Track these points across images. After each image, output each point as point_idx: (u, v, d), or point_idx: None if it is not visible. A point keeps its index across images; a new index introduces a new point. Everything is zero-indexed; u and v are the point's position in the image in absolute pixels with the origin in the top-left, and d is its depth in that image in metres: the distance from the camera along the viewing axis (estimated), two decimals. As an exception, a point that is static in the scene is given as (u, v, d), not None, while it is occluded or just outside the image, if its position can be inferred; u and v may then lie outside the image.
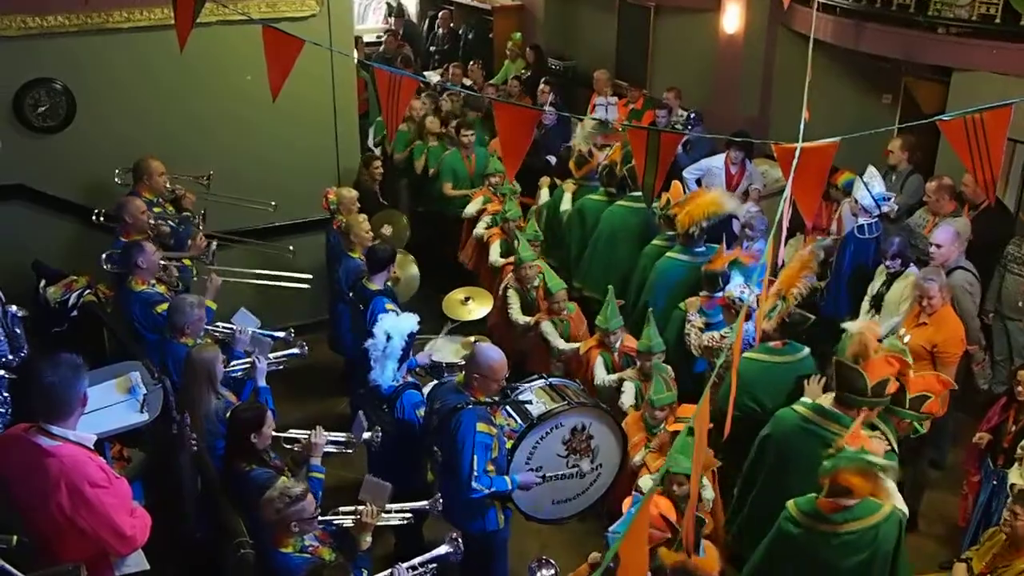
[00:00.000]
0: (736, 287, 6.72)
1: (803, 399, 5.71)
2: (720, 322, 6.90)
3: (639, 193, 8.07)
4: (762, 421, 5.92)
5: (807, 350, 6.32)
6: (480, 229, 9.17)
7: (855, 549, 4.87)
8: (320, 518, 4.75)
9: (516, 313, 7.93)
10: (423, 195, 10.56)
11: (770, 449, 5.70)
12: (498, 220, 8.99)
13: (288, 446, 5.50)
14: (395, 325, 6.09)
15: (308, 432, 5.41)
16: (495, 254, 8.81)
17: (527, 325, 7.80)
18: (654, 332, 6.71)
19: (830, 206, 8.57)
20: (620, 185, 8.63)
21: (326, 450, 5.41)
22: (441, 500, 5.26)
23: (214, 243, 7.57)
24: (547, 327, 7.64)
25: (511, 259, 8.35)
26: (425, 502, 5.24)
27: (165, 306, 6.57)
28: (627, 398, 6.75)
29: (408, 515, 5.20)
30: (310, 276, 7.79)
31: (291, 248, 8.27)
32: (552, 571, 4.88)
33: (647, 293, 7.74)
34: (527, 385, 6.31)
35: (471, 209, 9.40)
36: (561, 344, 7.55)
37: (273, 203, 8.24)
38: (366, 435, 5.65)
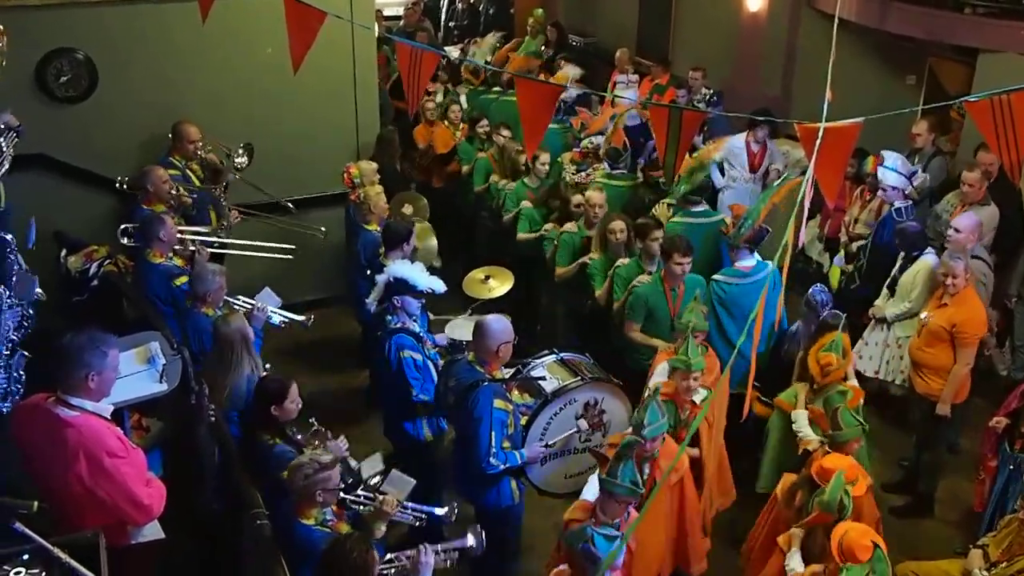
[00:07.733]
0: (600, 140, 9.00)
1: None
2: (584, 166, 8.99)
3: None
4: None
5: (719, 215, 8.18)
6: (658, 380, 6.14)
7: (763, 287, 6.59)
8: (341, 495, 4.80)
9: None
10: (592, 322, 7.47)
11: None
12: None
13: (355, 506, 5.03)
14: (394, 267, 6.20)
15: (380, 496, 4.97)
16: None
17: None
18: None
19: (854, 188, 8.48)
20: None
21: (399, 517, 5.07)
22: (457, 509, 5.23)
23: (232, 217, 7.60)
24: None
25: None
26: (443, 509, 5.17)
27: (184, 279, 6.61)
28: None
29: (422, 516, 5.11)
30: (293, 247, 7.66)
31: (323, 229, 8.20)
32: None
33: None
34: (539, 361, 6.30)
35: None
36: None
37: (291, 204, 8.46)
38: (471, 542, 4.93)
